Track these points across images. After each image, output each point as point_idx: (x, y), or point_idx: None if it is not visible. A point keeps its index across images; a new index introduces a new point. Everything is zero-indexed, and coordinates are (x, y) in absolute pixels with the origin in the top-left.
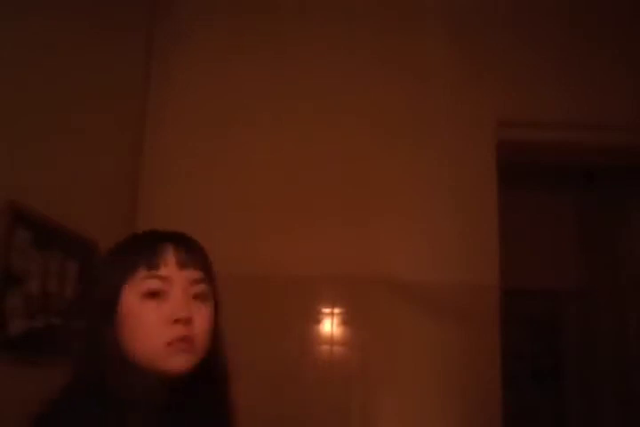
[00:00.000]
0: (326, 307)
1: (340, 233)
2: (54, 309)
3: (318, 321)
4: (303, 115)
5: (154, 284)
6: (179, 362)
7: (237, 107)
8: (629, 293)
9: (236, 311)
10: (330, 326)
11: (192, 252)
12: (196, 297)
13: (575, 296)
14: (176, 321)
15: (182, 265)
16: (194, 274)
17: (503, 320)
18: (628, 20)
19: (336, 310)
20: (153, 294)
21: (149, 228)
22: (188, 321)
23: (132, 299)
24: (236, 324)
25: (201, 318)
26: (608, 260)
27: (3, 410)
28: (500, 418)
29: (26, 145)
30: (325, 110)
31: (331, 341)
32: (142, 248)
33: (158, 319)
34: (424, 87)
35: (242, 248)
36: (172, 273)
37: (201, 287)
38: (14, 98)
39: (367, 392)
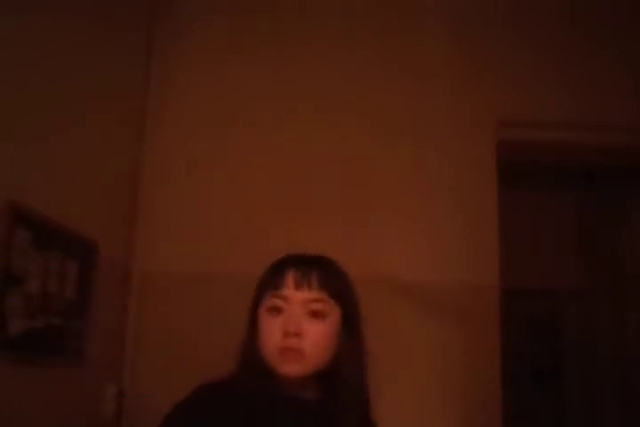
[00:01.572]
0: None
1: (340, 233)
2: (54, 309)
3: None
4: (303, 115)
5: (276, 302)
6: (287, 368)
7: (237, 107)
8: (629, 293)
9: (237, 311)
10: None
11: (309, 275)
12: (312, 314)
13: (575, 296)
14: (286, 333)
15: (298, 286)
16: (310, 294)
17: (503, 320)
18: (628, 20)
19: None
20: (276, 310)
21: (149, 228)
22: (296, 334)
23: (263, 313)
24: (237, 324)
25: (312, 333)
26: (608, 260)
27: (3, 410)
28: (500, 418)
29: (26, 145)
30: (325, 110)
31: None
32: (274, 271)
33: (276, 331)
34: (424, 87)
35: (242, 248)
36: (290, 293)
37: (316, 306)
38: (14, 98)
39: None
